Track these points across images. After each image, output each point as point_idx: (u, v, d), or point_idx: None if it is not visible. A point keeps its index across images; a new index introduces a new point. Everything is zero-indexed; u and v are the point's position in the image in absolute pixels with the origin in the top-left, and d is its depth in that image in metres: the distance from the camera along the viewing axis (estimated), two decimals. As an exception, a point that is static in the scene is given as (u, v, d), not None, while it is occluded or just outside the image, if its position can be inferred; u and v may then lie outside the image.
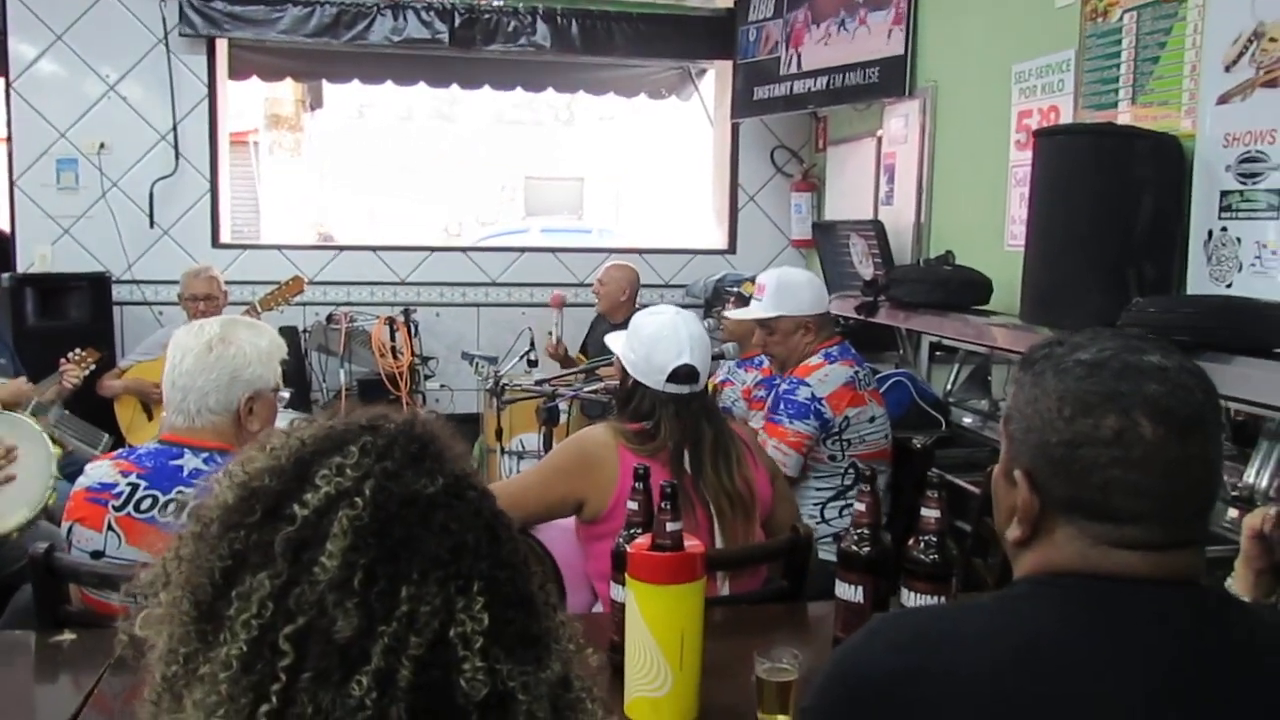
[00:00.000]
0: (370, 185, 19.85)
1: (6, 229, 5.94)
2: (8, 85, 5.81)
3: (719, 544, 2.46)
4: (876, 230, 5.13)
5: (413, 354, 5.54)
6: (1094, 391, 1.14)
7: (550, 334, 5.64)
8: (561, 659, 0.92)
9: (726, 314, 4.44)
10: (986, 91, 4.52)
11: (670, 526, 1.75)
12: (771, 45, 6.05)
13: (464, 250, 6.72)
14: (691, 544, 1.79)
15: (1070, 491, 1.15)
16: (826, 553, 3.13)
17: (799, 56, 5.86)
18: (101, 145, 5.86)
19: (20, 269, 5.82)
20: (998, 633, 1.14)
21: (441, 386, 6.08)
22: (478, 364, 5.30)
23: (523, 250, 6.80)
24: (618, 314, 5.67)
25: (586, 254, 6.63)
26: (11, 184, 5.88)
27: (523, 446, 4.71)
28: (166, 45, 5.88)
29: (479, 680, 0.84)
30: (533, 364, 5.14)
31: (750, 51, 6.21)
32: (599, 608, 2.47)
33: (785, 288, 3.61)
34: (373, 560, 0.85)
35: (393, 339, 5.41)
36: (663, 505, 1.76)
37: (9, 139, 5.89)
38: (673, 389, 2.53)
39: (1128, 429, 1.12)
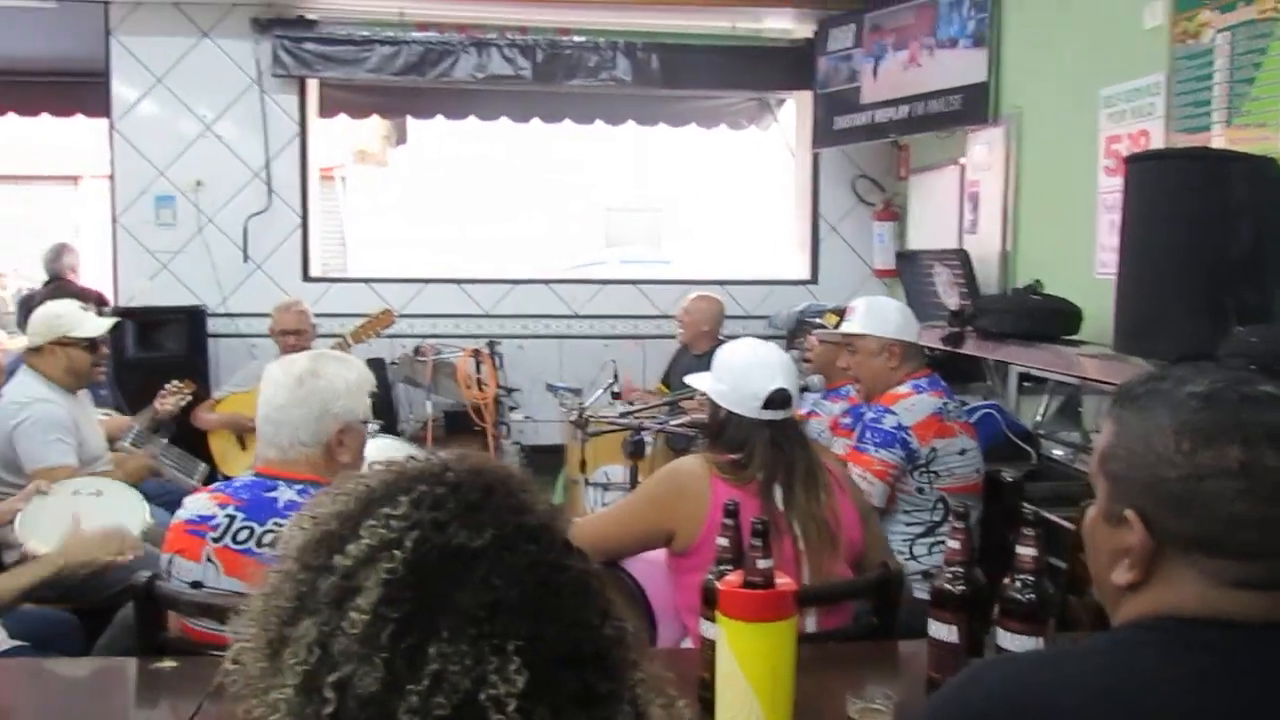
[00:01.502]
0: (451, 218, 20.10)
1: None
2: (111, 126, 6.02)
3: (806, 575, 2.44)
4: (961, 259, 5.08)
5: (497, 386, 5.59)
6: (1214, 423, 1.10)
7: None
8: (636, 715, 0.89)
9: (815, 333, 4.43)
10: (1073, 116, 4.46)
11: (762, 563, 1.75)
12: (852, 74, 6.04)
13: (547, 283, 6.78)
14: (783, 581, 1.78)
15: (1191, 529, 1.11)
16: (916, 590, 3.09)
17: (880, 85, 5.85)
18: (199, 183, 6.04)
19: (121, 302, 6.00)
20: (1112, 686, 1.09)
21: (525, 418, 6.13)
22: (562, 396, 5.34)
23: (605, 282, 6.85)
24: (700, 345, 5.68)
25: (668, 285, 6.66)
26: (114, 221, 6.08)
27: (607, 478, 4.71)
28: (260, 86, 6.05)
29: None
30: (616, 396, 5.17)
31: (830, 81, 6.20)
32: (688, 641, 2.47)
33: (874, 309, 3.60)
34: (404, 615, 0.83)
35: (478, 371, 5.46)
36: (754, 542, 1.76)
37: (111, 177, 6.09)
38: (767, 415, 2.52)
39: (1253, 460, 1.08)
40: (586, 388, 5.28)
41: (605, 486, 4.62)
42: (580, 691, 0.85)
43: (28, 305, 4.61)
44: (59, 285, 5.37)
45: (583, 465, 4.43)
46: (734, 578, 1.80)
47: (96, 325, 4.00)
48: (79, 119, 7.35)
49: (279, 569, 0.93)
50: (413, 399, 5.88)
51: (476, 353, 5.53)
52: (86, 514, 3.16)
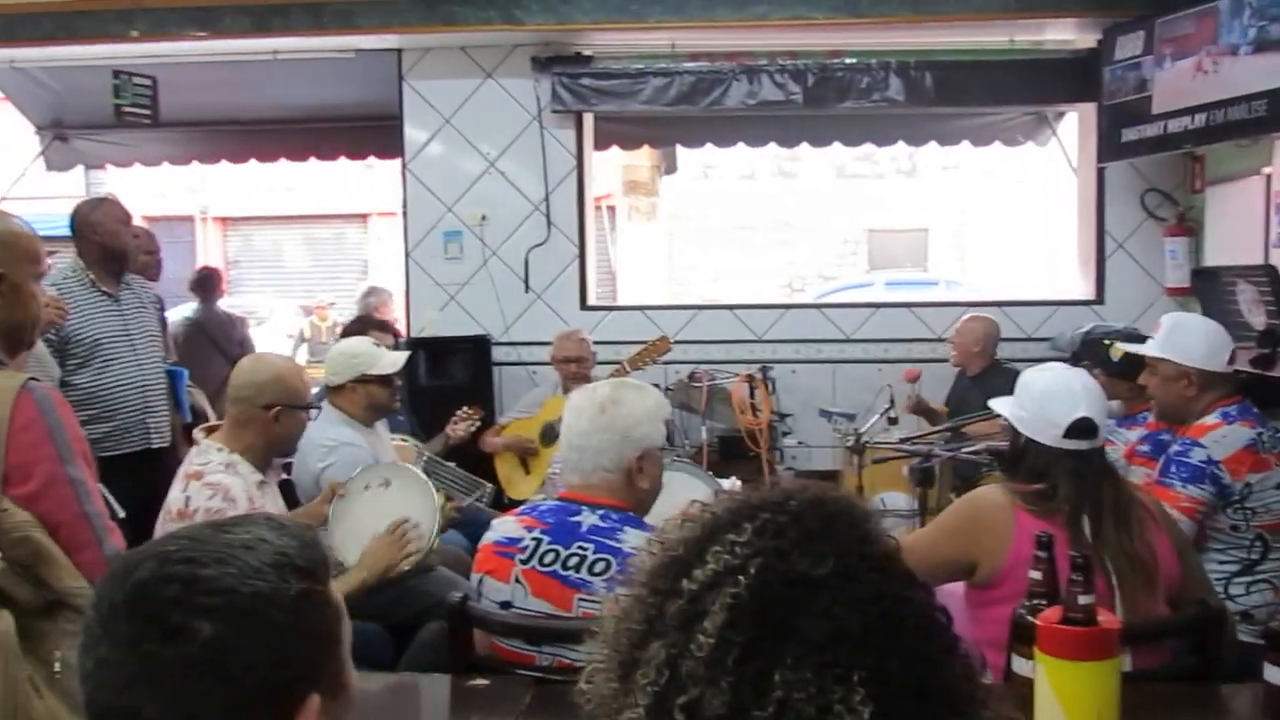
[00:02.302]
0: (715, 244, 20.31)
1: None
2: (404, 166, 6.40)
3: (1119, 611, 2.32)
4: (1269, 275, 4.74)
5: (771, 411, 5.60)
6: None
7: (909, 396, 5.53)
8: None
9: (1116, 348, 4.23)
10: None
11: (1083, 600, 1.67)
12: (1141, 83, 5.73)
13: (818, 307, 6.75)
14: (1105, 618, 1.70)
15: None
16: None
17: (1172, 93, 5.52)
18: (483, 217, 6.33)
19: (412, 333, 6.35)
20: None
21: (798, 443, 6.10)
22: (836, 421, 5.28)
23: (876, 306, 6.74)
24: (972, 366, 5.54)
25: (941, 308, 6.49)
26: (406, 255, 6.45)
27: (884, 505, 4.63)
28: (540, 122, 6.28)
29: None
30: (893, 421, 5.08)
31: (1117, 92, 5.91)
32: (986, 678, 2.39)
33: (1177, 331, 3.38)
34: (748, 640, 0.84)
35: (751, 396, 5.48)
36: (1074, 577, 1.68)
37: (404, 215, 6.48)
38: (1069, 445, 2.41)
39: None
40: (860, 413, 5.21)
41: (882, 514, 4.54)
42: None
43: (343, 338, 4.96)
44: (364, 320, 5.72)
45: (859, 492, 4.37)
46: (1051, 613, 1.73)
47: (392, 362, 4.16)
48: (369, 161, 7.84)
49: (629, 592, 0.96)
50: (688, 424, 5.95)
51: (750, 378, 5.56)
52: (382, 510, 3.32)
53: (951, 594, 2.52)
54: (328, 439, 3.99)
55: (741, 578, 0.87)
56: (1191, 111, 5.37)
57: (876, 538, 0.94)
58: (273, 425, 3.07)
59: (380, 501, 3.38)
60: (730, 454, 5.59)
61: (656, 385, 5.92)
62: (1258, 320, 4.78)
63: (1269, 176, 5.11)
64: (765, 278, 19.61)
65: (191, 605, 1.02)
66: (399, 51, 6.34)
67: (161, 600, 1.02)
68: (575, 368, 5.34)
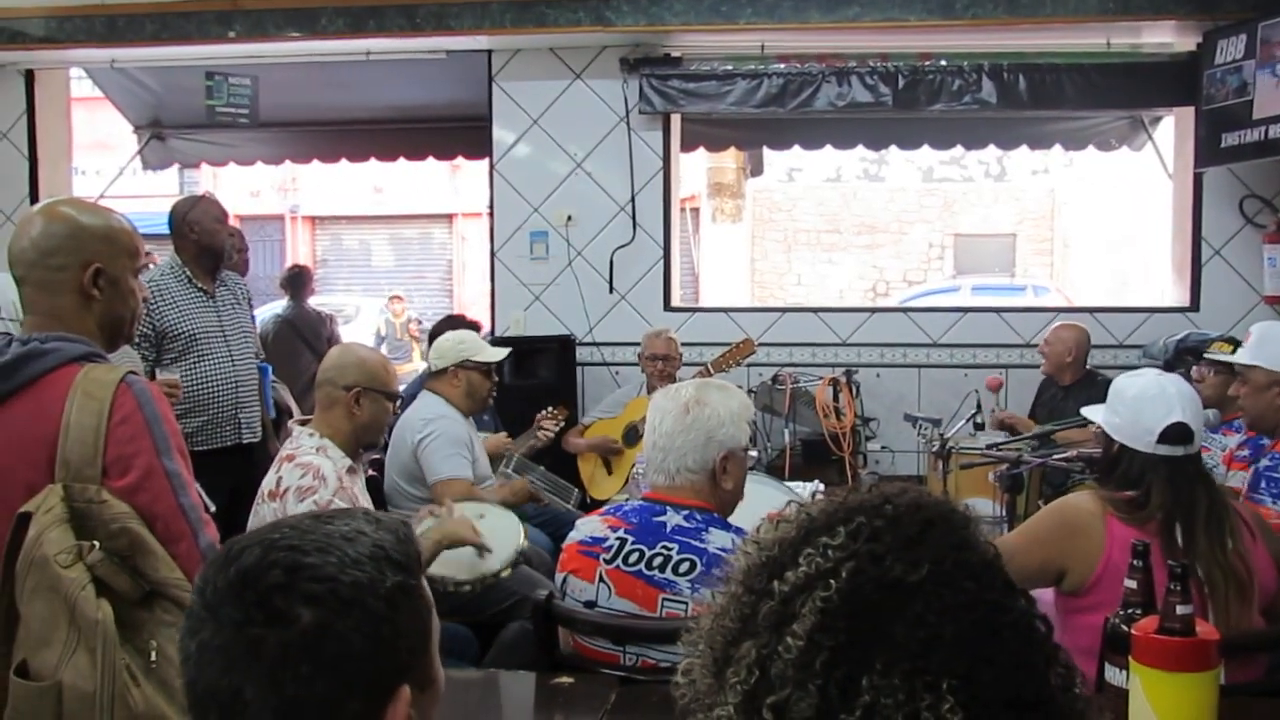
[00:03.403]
0: (800, 246, 20.21)
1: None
2: (491, 167, 6.47)
3: (1212, 623, 2.27)
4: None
5: (855, 415, 5.55)
6: None
7: (994, 408, 5.46)
8: None
9: (1205, 359, 4.14)
10: None
11: (1181, 610, 1.64)
12: (1242, 87, 5.59)
13: (904, 311, 6.69)
14: (1204, 629, 1.67)
15: None
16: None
17: (1275, 98, 5.38)
18: (569, 218, 6.36)
19: (498, 332, 6.41)
20: None
21: (882, 448, 6.05)
22: (921, 426, 5.22)
23: (964, 310, 6.66)
24: (1065, 376, 5.45)
25: (1030, 314, 6.39)
26: (493, 255, 6.51)
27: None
28: (627, 123, 6.30)
29: None
30: (979, 427, 5.01)
31: (1216, 96, 5.76)
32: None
33: (1267, 338, 3.32)
34: (838, 645, 0.84)
35: (835, 399, 5.44)
36: (1172, 586, 1.65)
37: (491, 215, 6.54)
38: (1164, 450, 2.37)
39: None
40: (946, 418, 5.14)
41: (971, 521, 4.47)
42: None
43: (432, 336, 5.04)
44: (453, 318, 5.78)
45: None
46: (1147, 623, 1.70)
47: (495, 353, 4.36)
48: (457, 162, 7.90)
49: (726, 590, 0.97)
50: (771, 427, 5.92)
51: (834, 381, 5.51)
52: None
53: (1040, 601, 2.48)
54: (428, 412, 4.11)
55: (833, 581, 0.88)
56: (1296, 116, 5.24)
57: (975, 544, 0.94)
58: (354, 408, 3.10)
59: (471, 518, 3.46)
60: (813, 457, 5.54)
61: (740, 387, 5.96)
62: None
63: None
64: (850, 282, 19.47)
65: (294, 591, 1.05)
66: (489, 53, 6.39)
67: (266, 585, 1.05)
68: (662, 365, 5.36)
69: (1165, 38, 6.06)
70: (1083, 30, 5.91)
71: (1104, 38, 6.01)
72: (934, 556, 0.89)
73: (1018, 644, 0.88)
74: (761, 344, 5.93)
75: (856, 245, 20.12)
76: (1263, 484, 3.14)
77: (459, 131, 7.28)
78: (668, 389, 2.62)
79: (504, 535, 3.45)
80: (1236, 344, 3.99)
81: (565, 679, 2.29)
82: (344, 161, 7.95)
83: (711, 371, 5.26)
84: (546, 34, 6.05)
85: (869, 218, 20.16)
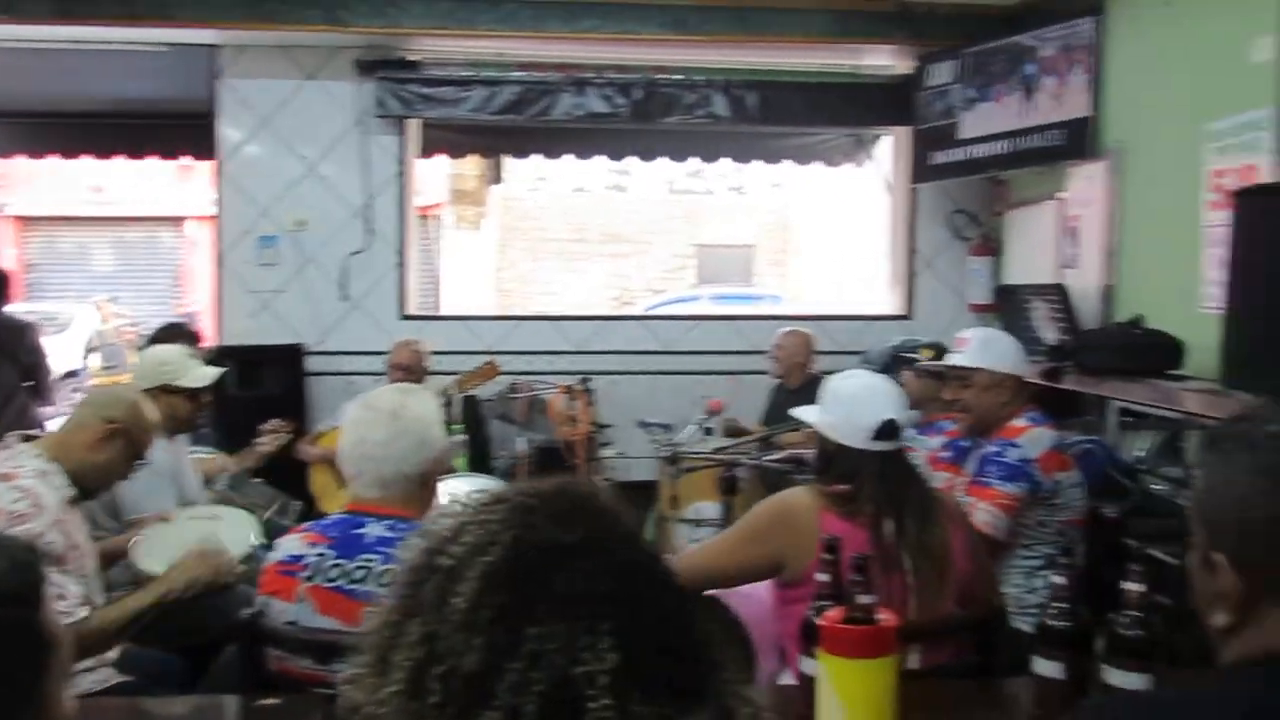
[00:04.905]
0: (544, 255, 20.32)
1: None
2: (218, 167, 6.17)
3: (913, 609, 2.39)
4: (1060, 294, 5.00)
5: (590, 422, 5.59)
6: None
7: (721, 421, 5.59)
8: (723, 712, 0.90)
9: (918, 365, 4.37)
10: (1177, 151, 4.40)
11: (863, 599, 1.71)
12: (950, 110, 5.97)
13: (639, 319, 6.79)
14: (884, 616, 1.75)
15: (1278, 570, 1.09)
16: (1029, 625, 3.01)
17: (979, 120, 5.77)
18: (301, 222, 6.15)
19: (224, 341, 6.12)
20: None
21: (618, 454, 6.10)
22: (653, 432, 5.31)
23: (698, 319, 6.84)
24: (794, 378, 5.65)
25: (761, 321, 6.61)
26: (219, 259, 6.22)
27: (698, 514, 4.68)
28: (362, 127, 6.16)
29: (607, 718, 0.84)
30: (708, 432, 5.14)
31: (929, 116, 6.13)
32: (787, 675, 2.43)
33: (991, 342, 3.55)
34: (502, 603, 0.87)
35: (571, 407, 5.47)
36: (854, 578, 1.73)
37: (217, 217, 6.24)
38: (877, 446, 2.48)
39: None
40: (679, 424, 5.25)
41: (696, 523, 4.58)
42: (670, 679, 0.88)
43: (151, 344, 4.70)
44: (174, 327, 5.45)
45: (674, 501, 4.40)
46: (835, 613, 1.78)
47: (203, 375, 3.92)
48: (188, 163, 7.48)
49: (390, 593, 0.98)
50: (506, 435, 5.90)
51: (570, 389, 5.54)
52: (198, 536, 3.20)
53: (750, 595, 2.56)
54: None
55: (495, 546, 0.90)
56: (996, 138, 5.64)
57: (622, 518, 0.98)
58: (104, 443, 2.87)
59: (199, 529, 3.25)
60: (549, 465, 5.56)
61: (474, 396, 5.91)
62: (1049, 336, 5.03)
63: (1063, 201, 5.38)
64: (596, 291, 19.71)
65: None
66: (214, 48, 6.11)
67: None
68: (401, 375, 5.22)
69: (884, 61, 6.40)
70: (807, 51, 6.18)
71: (829, 59, 6.29)
72: (587, 524, 0.93)
73: (666, 600, 0.93)
74: (498, 352, 5.91)
75: (603, 254, 20.41)
76: (990, 467, 3.32)
77: (184, 129, 6.86)
78: (360, 399, 2.55)
79: (232, 537, 3.27)
80: (939, 349, 4.24)
81: (272, 700, 2.19)
82: (56, 157, 7.41)
83: (457, 392, 5.23)
84: (276, 30, 5.82)
85: (615, 228, 20.49)
